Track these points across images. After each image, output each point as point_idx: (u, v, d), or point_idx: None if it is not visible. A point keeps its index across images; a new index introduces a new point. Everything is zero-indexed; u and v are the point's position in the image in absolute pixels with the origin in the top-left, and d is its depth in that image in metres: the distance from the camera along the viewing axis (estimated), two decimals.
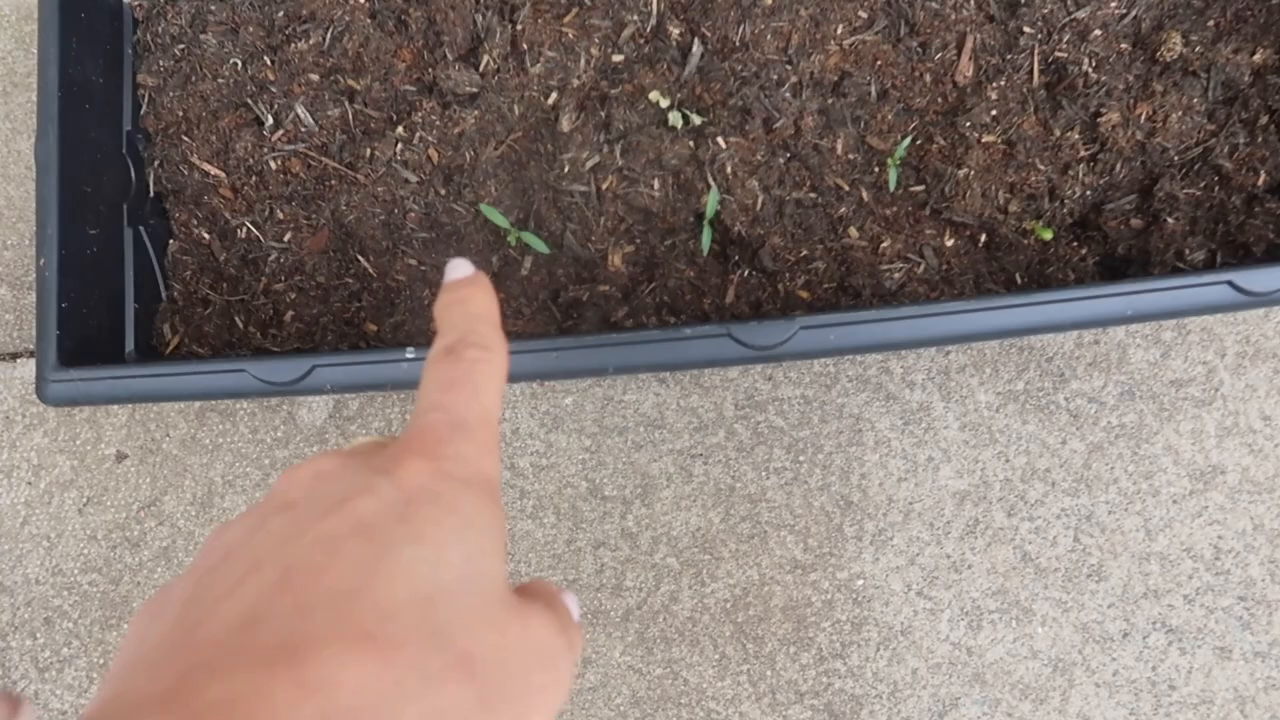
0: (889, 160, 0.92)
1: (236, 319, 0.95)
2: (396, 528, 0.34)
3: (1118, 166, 0.92)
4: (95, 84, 0.90)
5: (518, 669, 0.35)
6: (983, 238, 0.93)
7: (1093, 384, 1.15)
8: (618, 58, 0.93)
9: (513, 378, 0.82)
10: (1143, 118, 0.92)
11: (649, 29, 0.94)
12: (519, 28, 0.93)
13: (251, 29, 0.95)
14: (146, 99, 0.96)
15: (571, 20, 0.94)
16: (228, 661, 0.30)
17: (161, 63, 0.96)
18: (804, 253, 0.91)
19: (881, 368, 1.15)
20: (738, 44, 0.92)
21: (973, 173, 0.91)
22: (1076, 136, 0.93)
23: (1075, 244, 0.92)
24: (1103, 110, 0.92)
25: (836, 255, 0.91)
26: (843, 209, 0.92)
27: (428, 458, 0.37)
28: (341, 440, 1.17)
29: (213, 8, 0.95)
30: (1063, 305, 0.79)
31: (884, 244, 0.91)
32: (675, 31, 0.93)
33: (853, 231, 0.92)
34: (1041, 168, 0.92)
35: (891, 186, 0.92)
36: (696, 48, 0.93)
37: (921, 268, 0.91)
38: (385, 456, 0.37)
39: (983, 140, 0.92)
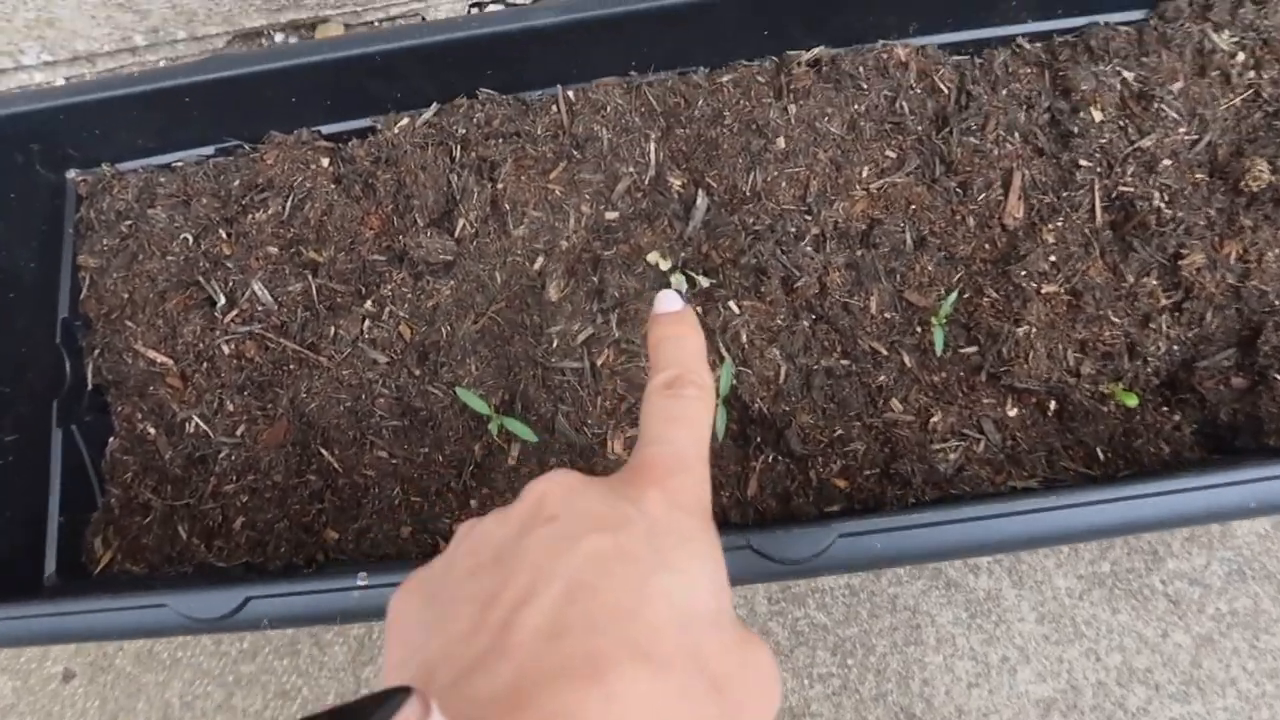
0: (933, 319, 0.78)
1: (180, 528, 0.82)
2: (651, 556, 0.39)
3: (1208, 316, 0.77)
4: (25, 269, 0.81)
5: (753, 692, 0.39)
6: (1052, 406, 0.78)
7: (1193, 563, 0.97)
8: (611, 215, 0.82)
9: None
10: (1232, 257, 0.78)
11: (647, 181, 0.83)
12: (499, 186, 0.83)
13: (205, 200, 0.86)
14: (88, 281, 0.87)
15: (559, 176, 0.83)
16: (550, 673, 0.34)
17: (105, 241, 0.87)
18: (838, 432, 0.77)
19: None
20: (748, 194, 0.81)
21: (1034, 330, 0.77)
22: (1154, 283, 0.79)
23: (1166, 409, 0.77)
24: (1183, 251, 0.78)
25: (878, 434, 0.77)
26: (881, 377, 0.78)
27: (661, 489, 0.43)
28: (315, 650, 1.02)
29: (162, 179, 0.87)
30: (1165, 499, 0.63)
31: (934, 418, 0.77)
32: (677, 183, 0.83)
33: (895, 404, 0.78)
34: (1116, 321, 0.78)
35: (938, 349, 0.78)
36: (701, 200, 0.81)
37: (981, 445, 0.76)
38: (626, 484, 0.43)
39: (1043, 291, 0.79)
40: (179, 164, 0.88)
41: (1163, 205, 0.80)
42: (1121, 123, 0.83)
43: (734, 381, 0.77)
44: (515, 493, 0.82)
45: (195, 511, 0.83)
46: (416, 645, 0.39)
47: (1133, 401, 0.76)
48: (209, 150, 0.88)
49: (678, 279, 0.78)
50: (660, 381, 0.48)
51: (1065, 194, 0.82)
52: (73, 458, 0.83)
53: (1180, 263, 0.78)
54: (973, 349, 0.80)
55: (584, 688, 0.34)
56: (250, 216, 0.86)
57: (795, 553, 0.64)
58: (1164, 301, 0.79)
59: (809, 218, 0.81)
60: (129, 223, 0.87)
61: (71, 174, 0.88)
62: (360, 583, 0.66)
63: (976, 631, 0.97)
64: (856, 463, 0.76)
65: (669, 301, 0.54)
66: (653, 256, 0.79)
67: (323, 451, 0.83)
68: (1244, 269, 0.78)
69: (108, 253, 0.87)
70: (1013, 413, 0.78)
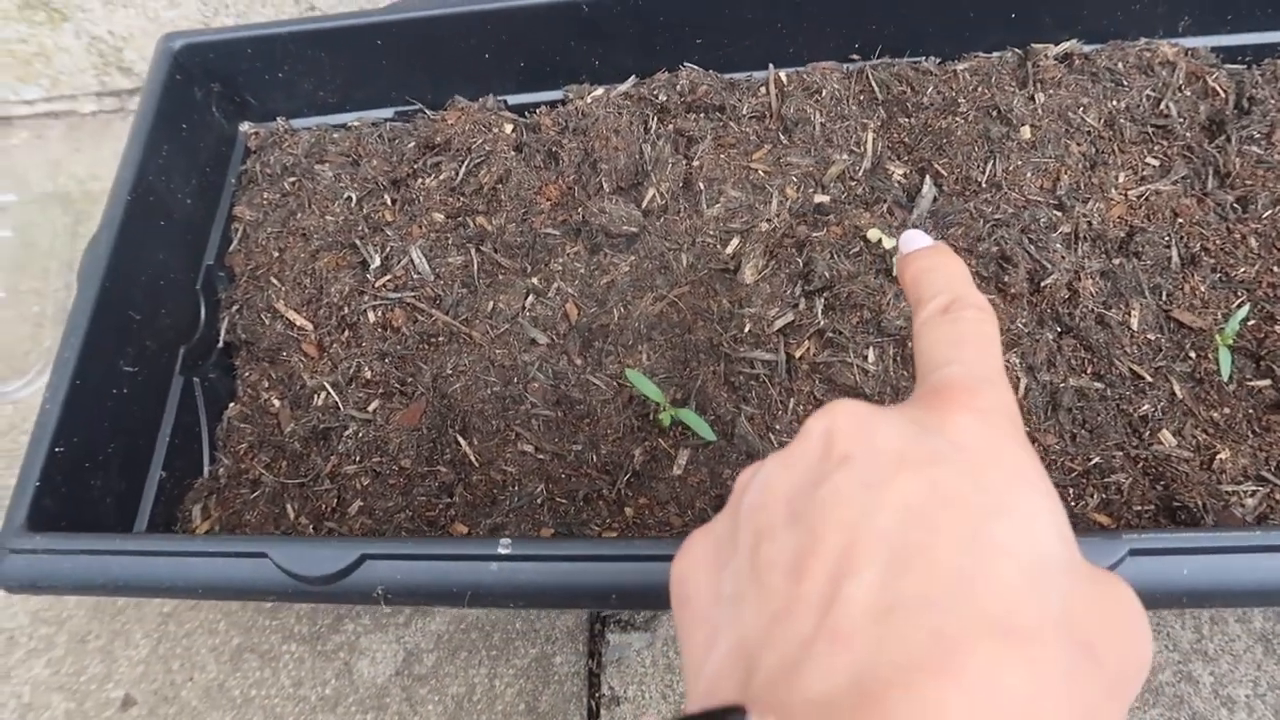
0: (1218, 337, 0.64)
1: (289, 506, 0.71)
2: (978, 498, 0.32)
3: None
4: (180, 203, 0.76)
5: (1129, 652, 0.32)
6: None
7: None
8: (821, 198, 0.72)
9: (654, 601, 0.54)
10: None
11: (862, 170, 0.73)
12: (695, 163, 0.75)
13: (375, 162, 0.81)
14: (240, 234, 0.81)
15: (763, 157, 0.75)
16: (895, 667, 0.28)
17: (266, 195, 0.82)
18: (1094, 460, 0.62)
19: (1181, 671, 0.79)
20: (984, 184, 0.71)
21: None
22: None
23: None
24: None
25: (1146, 467, 0.62)
26: (1145, 406, 0.64)
27: (971, 410, 0.36)
28: (406, 709, 0.87)
29: (335, 137, 0.82)
30: None
31: (1220, 455, 0.61)
32: (898, 172, 0.73)
33: (1167, 436, 0.63)
34: None
35: (1224, 374, 0.64)
36: (928, 188, 0.71)
37: None
38: (924, 409, 0.37)
39: None
40: (355, 124, 0.84)
41: None
42: None
43: None
44: (679, 505, 0.69)
45: (309, 491, 0.72)
46: (720, 623, 0.35)
47: None
48: (388, 113, 0.84)
49: None
50: (933, 308, 0.43)
51: None
52: (187, 414, 0.74)
53: None
54: (1265, 382, 0.65)
55: (941, 683, 0.28)
56: (420, 181, 0.80)
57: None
58: None
59: (1059, 213, 0.69)
60: (293, 179, 0.82)
61: (245, 126, 0.85)
62: (502, 550, 0.54)
63: None
64: (1122, 496, 0.61)
65: (918, 238, 0.50)
66: (873, 233, 0.68)
67: (460, 440, 0.72)
68: None
69: (266, 206, 0.82)
70: None
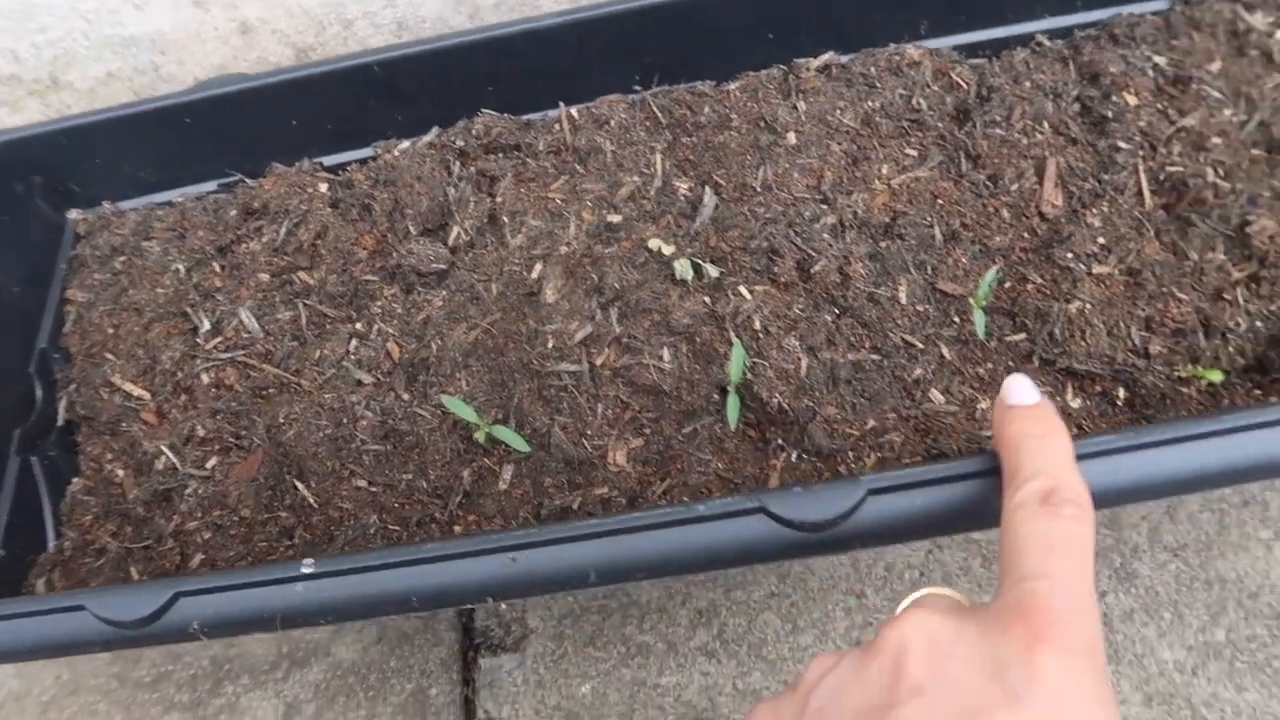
0: (972, 301, 0.70)
1: (133, 569, 0.73)
2: None
3: None
4: (8, 292, 0.79)
5: None
6: (1121, 394, 0.68)
7: None
8: (614, 218, 0.77)
9: (452, 598, 0.57)
10: None
11: (653, 189, 0.79)
12: (498, 200, 0.80)
13: (201, 232, 0.84)
14: (73, 315, 0.84)
15: (560, 187, 0.80)
16: None
17: (97, 276, 0.85)
18: (871, 424, 0.67)
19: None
20: (758, 188, 0.77)
21: (1089, 305, 0.69)
22: (1221, 256, 0.71)
23: (1259, 392, 0.66)
24: (1250, 219, 0.70)
25: (918, 424, 0.67)
26: (918, 371, 0.69)
27: (1057, 649, 0.35)
28: None
29: (160, 212, 0.86)
30: None
31: (982, 405, 0.67)
32: (683, 186, 0.79)
33: (936, 394, 0.68)
34: (1183, 297, 0.69)
35: (980, 333, 0.69)
36: (709, 197, 0.77)
37: None
38: (1004, 633, 0.36)
39: (1094, 271, 0.71)
40: (179, 199, 0.87)
41: (1219, 180, 0.73)
42: (1160, 105, 0.77)
43: (747, 373, 0.68)
44: (504, 518, 0.72)
45: (153, 552, 0.74)
46: None
47: (1217, 377, 0.66)
48: (211, 185, 0.88)
49: (683, 265, 0.72)
50: (1032, 493, 0.42)
51: (1107, 178, 0.75)
52: (27, 491, 0.76)
53: (1249, 230, 0.70)
54: (1020, 335, 0.71)
55: None
56: (244, 245, 0.83)
57: (817, 512, 0.53)
58: (1236, 274, 0.70)
59: (824, 206, 0.75)
60: (123, 258, 0.85)
61: (73, 214, 0.88)
62: (305, 570, 0.57)
63: None
64: (894, 453, 0.66)
65: (1023, 391, 0.49)
66: (654, 243, 0.73)
67: (297, 485, 0.75)
68: None
69: (97, 286, 0.85)
70: (1076, 403, 0.68)
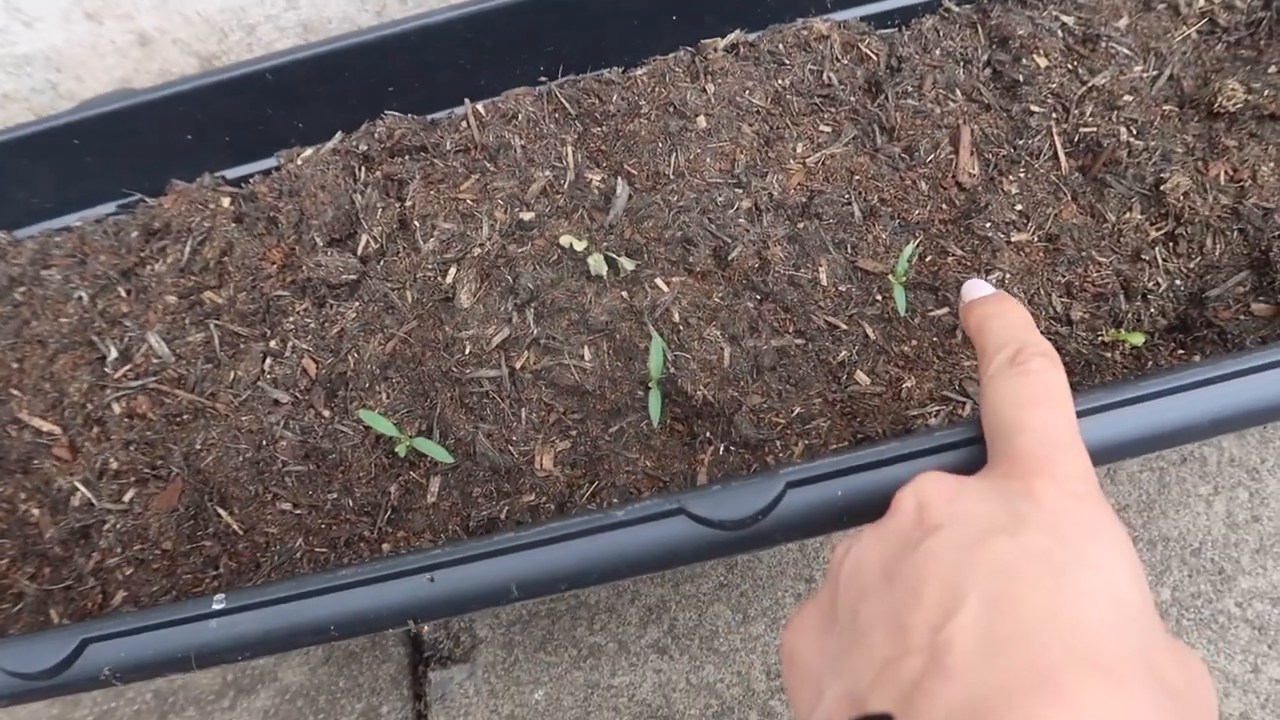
0: (892, 278, 0.69)
1: (53, 611, 0.71)
2: (1062, 552, 0.35)
3: (1208, 242, 0.68)
4: None
5: (1201, 702, 0.35)
6: None
7: (1271, 578, 0.81)
8: (527, 216, 0.75)
9: (371, 624, 0.55)
10: (1221, 178, 0.69)
11: (566, 183, 0.77)
12: (407, 204, 0.78)
13: (103, 257, 0.81)
14: None
15: (470, 186, 0.78)
16: (1001, 691, 0.32)
17: None
18: (797, 410, 0.66)
19: None
20: (670, 175, 0.75)
21: (1008, 275, 0.68)
22: (1139, 216, 0.70)
23: (1182, 352, 0.66)
24: (1164, 177, 0.69)
25: (843, 408, 0.66)
26: (843, 353, 0.68)
27: (1052, 478, 0.39)
28: None
29: (58, 239, 0.83)
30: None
31: (907, 384, 0.66)
32: (596, 178, 0.77)
33: (861, 376, 0.67)
34: (1102, 260, 0.69)
35: (901, 310, 0.68)
36: (621, 188, 0.75)
37: (968, 408, 0.65)
38: (1007, 477, 0.40)
39: (1013, 240, 0.70)
40: (78, 224, 0.84)
41: (1132, 138, 0.72)
42: (1070, 65, 0.76)
43: (669, 367, 0.67)
44: (433, 531, 0.71)
45: (74, 592, 0.72)
46: (829, 677, 0.38)
47: (1139, 339, 0.65)
48: (110, 207, 0.84)
49: (596, 260, 0.70)
50: (1002, 359, 0.45)
51: (1021, 143, 0.74)
52: None
53: (1163, 189, 0.69)
54: (943, 310, 0.70)
55: (1043, 705, 0.31)
56: (149, 268, 0.80)
57: (735, 510, 0.52)
58: (1154, 234, 0.69)
59: (739, 190, 0.74)
60: (22, 289, 0.82)
61: None
62: (217, 605, 0.55)
63: None
64: (821, 439, 0.65)
65: (979, 286, 0.53)
66: (565, 239, 0.71)
67: (220, 512, 0.72)
68: (1238, 189, 0.69)
69: None
70: None
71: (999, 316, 0.48)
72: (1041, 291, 0.68)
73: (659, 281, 0.70)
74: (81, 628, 0.56)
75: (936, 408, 0.65)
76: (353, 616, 0.55)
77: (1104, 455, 0.53)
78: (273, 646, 0.55)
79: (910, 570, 0.37)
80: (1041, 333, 0.67)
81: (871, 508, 0.53)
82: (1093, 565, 0.35)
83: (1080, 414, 0.53)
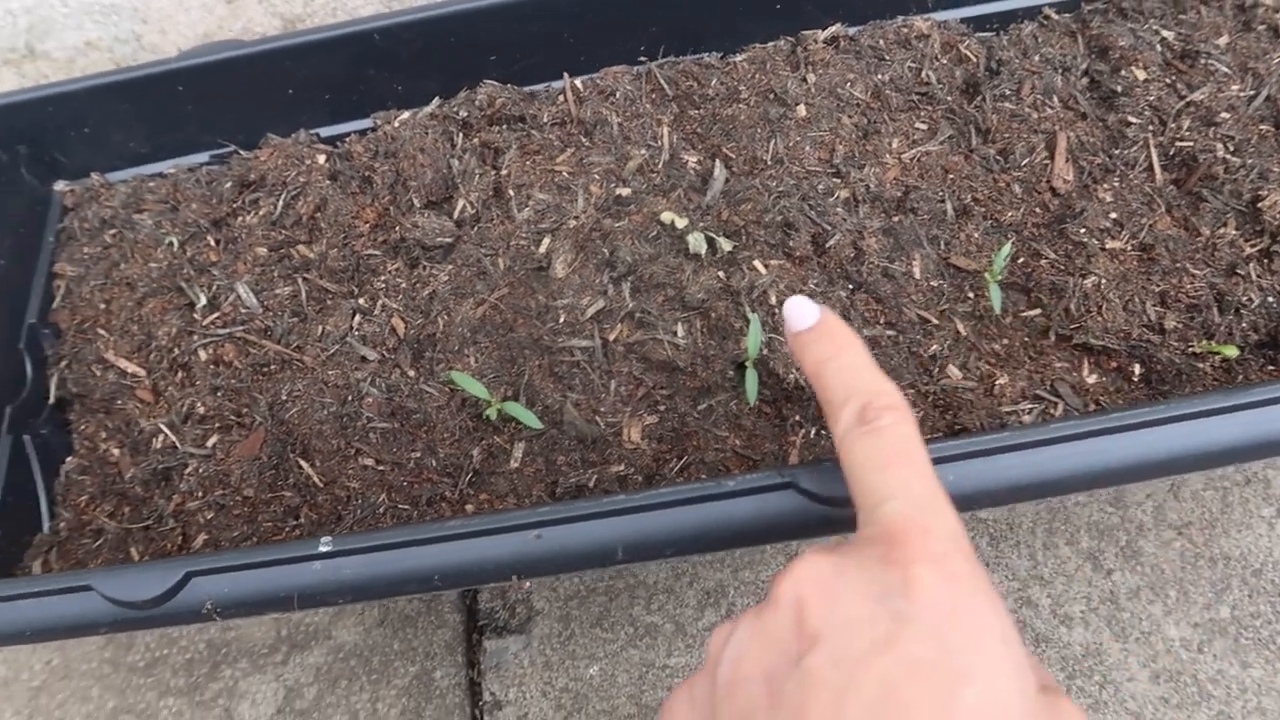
0: (988, 276, 0.69)
1: (133, 550, 0.71)
2: (946, 661, 0.35)
3: None
4: None
5: None
6: (1137, 370, 0.68)
7: None
8: (624, 191, 0.76)
9: (475, 576, 0.56)
10: None
11: (661, 162, 0.77)
12: (503, 172, 0.79)
13: (194, 205, 0.82)
14: (63, 290, 0.81)
15: (566, 160, 0.79)
16: None
17: (87, 250, 0.83)
18: None
19: (1021, 597, 0.84)
20: (769, 161, 0.76)
21: (1104, 280, 0.68)
22: (1233, 232, 0.71)
23: (1273, 367, 0.66)
24: (1261, 194, 0.70)
25: (935, 400, 0.67)
26: (934, 346, 0.69)
27: (927, 559, 0.38)
28: None
29: (152, 184, 0.83)
30: None
31: (999, 381, 0.67)
32: (692, 159, 0.78)
33: (953, 370, 0.68)
34: (1196, 272, 0.69)
35: (996, 308, 0.69)
36: (719, 171, 0.76)
37: (1060, 409, 0.65)
38: (883, 563, 0.38)
39: (1107, 246, 0.71)
40: (171, 171, 0.85)
41: (1229, 155, 0.73)
42: (1168, 80, 0.77)
43: (762, 345, 0.68)
44: (517, 496, 0.71)
45: (153, 533, 0.72)
46: None
47: (1232, 352, 0.66)
48: (204, 157, 0.85)
49: (696, 238, 0.71)
50: (850, 417, 0.44)
51: (1117, 153, 0.75)
52: (19, 472, 0.74)
53: (1260, 205, 0.70)
54: (1035, 311, 0.70)
55: None
56: (240, 219, 0.81)
57: (839, 490, 0.53)
58: (1248, 250, 0.70)
59: (837, 180, 0.75)
60: (113, 231, 0.82)
61: (59, 185, 0.85)
62: (323, 548, 0.55)
63: (1079, 696, 0.80)
64: None
65: (801, 313, 0.49)
66: (666, 216, 0.72)
67: (301, 463, 0.73)
68: None
69: (88, 260, 0.82)
70: (1092, 379, 0.68)
71: (835, 360, 0.46)
72: (1136, 299, 0.69)
73: (757, 264, 0.71)
74: (187, 560, 0.56)
75: (1029, 405, 0.66)
76: (457, 568, 0.55)
77: (1198, 461, 0.54)
78: (375, 592, 0.56)
79: (793, 696, 0.36)
80: (1134, 341, 0.69)
81: (980, 496, 0.54)
82: (977, 677, 0.35)
83: (1161, 422, 0.54)
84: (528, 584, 0.87)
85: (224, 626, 0.92)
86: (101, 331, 0.79)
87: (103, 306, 0.80)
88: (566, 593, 0.89)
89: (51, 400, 0.78)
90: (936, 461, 0.54)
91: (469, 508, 0.70)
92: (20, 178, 0.81)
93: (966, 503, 0.54)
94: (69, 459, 0.77)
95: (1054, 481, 0.54)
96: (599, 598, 0.88)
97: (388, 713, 0.87)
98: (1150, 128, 0.76)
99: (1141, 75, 0.77)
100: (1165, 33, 0.79)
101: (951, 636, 0.36)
